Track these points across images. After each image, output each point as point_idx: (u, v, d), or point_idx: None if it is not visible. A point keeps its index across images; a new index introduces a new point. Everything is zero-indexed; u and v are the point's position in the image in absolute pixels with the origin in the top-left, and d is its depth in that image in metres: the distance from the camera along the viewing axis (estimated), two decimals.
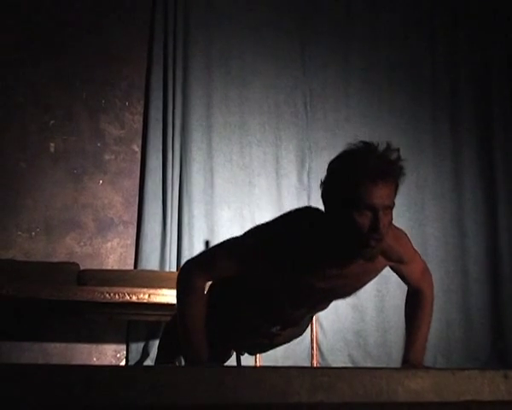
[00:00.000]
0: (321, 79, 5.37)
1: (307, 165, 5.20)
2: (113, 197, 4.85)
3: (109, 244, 4.77)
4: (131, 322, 4.67)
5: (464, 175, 5.50)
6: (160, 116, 4.94)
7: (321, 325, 4.82)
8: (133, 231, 4.82)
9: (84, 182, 4.81)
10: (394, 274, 2.36)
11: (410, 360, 2.25)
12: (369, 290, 4.79)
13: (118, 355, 4.66)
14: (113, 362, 4.61)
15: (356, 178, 1.94)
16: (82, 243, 4.72)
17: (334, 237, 2.04)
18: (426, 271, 2.38)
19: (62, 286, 3.97)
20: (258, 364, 4.12)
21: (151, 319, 4.52)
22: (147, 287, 4.06)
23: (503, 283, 5.33)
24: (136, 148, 4.95)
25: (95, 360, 4.57)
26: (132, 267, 4.73)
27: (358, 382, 1.60)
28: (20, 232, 4.62)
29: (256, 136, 5.16)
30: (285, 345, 2.81)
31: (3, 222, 4.60)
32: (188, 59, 5.06)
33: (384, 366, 4.66)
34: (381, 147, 1.98)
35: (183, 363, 2.71)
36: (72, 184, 4.78)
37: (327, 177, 2.04)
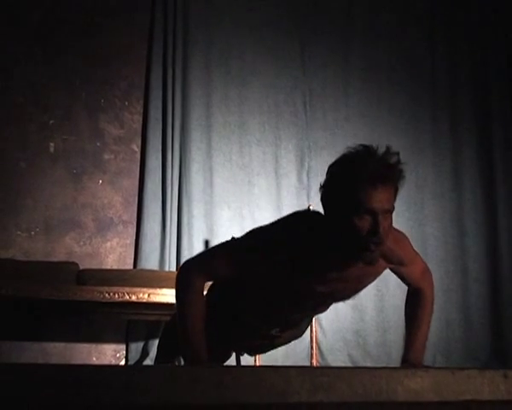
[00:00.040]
0: (320, 78, 5.38)
1: (307, 164, 5.20)
2: (113, 197, 4.85)
3: (109, 244, 4.77)
4: (131, 322, 4.67)
5: (464, 175, 5.50)
6: (159, 116, 4.94)
7: (320, 325, 4.82)
8: (132, 231, 4.82)
9: (84, 182, 4.81)
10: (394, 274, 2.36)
11: (410, 359, 2.26)
12: (368, 290, 4.74)
13: (117, 355, 4.66)
14: (113, 362, 4.61)
15: (355, 183, 1.93)
16: (81, 243, 4.72)
17: (333, 240, 2.04)
18: (426, 271, 2.38)
19: (62, 286, 3.97)
20: (257, 364, 4.12)
21: (150, 318, 4.52)
22: (146, 287, 4.06)
23: (502, 282, 5.33)
24: (136, 147, 4.95)
25: (94, 360, 4.57)
26: (132, 267, 4.73)
27: (358, 381, 1.60)
28: (19, 232, 4.62)
29: (255, 135, 5.16)
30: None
31: (3, 222, 4.60)
32: (187, 59, 5.06)
33: (384, 365, 4.66)
34: (381, 150, 1.97)
35: (182, 363, 2.71)
36: (72, 184, 4.78)
37: (326, 181, 2.03)
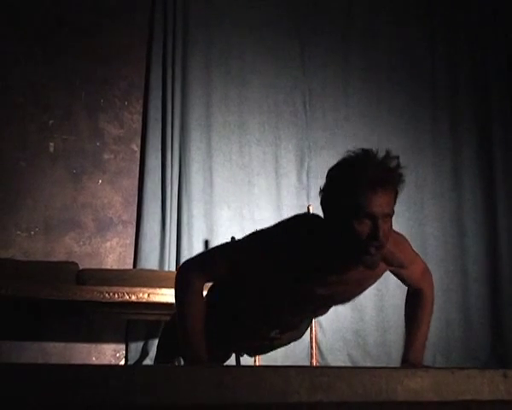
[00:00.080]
0: (320, 78, 5.38)
1: (306, 164, 5.20)
2: (113, 197, 4.85)
3: (108, 244, 4.77)
4: (131, 321, 4.67)
5: (464, 174, 5.50)
6: (159, 116, 4.94)
7: (320, 325, 4.82)
8: (132, 231, 4.82)
9: (84, 181, 4.81)
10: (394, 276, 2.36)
11: (410, 359, 2.26)
12: (368, 290, 4.73)
13: (117, 355, 4.66)
14: (113, 362, 4.61)
15: (355, 187, 1.93)
16: (81, 243, 4.72)
17: (334, 244, 2.04)
18: (426, 271, 2.38)
19: (61, 286, 3.96)
20: (257, 364, 4.12)
21: (150, 318, 4.52)
22: (146, 286, 4.06)
23: (502, 282, 5.33)
24: (136, 147, 4.95)
25: (94, 360, 4.57)
26: (131, 267, 4.73)
27: (358, 381, 1.60)
28: (19, 232, 4.62)
29: (255, 135, 5.16)
30: None
31: (3, 221, 4.60)
32: (187, 58, 5.06)
33: (383, 365, 4.66)
34: (381, 154, 1.97)
35: (182, 363, 2.71)
36: (72, 184, 4.78)
37: (326, 184, 2.03)
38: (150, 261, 4.71)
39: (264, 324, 2.41)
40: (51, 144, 4.79)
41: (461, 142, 5.55)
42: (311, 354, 4.56)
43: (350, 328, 5.02)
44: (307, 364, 4.57)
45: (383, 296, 5.06)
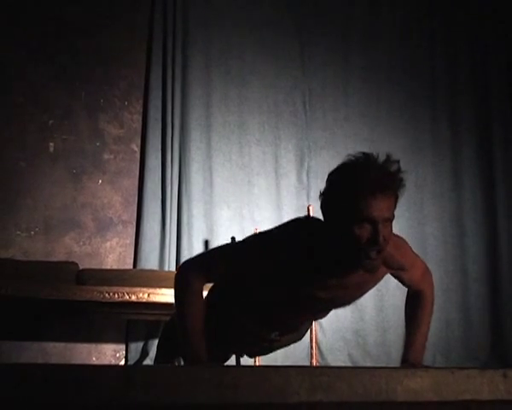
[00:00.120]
0: (320, 78, 5.38)
1: (306, 164, 5.20)
2: (113, 197, 4.85)
3: (108, 244, 4.77)
4: (131, 321, 4.67)
5: (463, 175, 5.50)
6: (159, 116, 4.94)
7: (320, 325, 4.82)
8: (132, 231, 4.82)
9: (84, 181, 4.81)
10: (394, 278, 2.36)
11: (410, 359, 2.25)
12: None
13: (117, 355, 4.66)
14: (113, 362, 4.61)
15: (355, 191, 1.92)
16: (81, 243, 4.72)
17: (334, 247, 2.04)
18: (426, 272, 2.37)
19: (61, 286, 3.97)
20: (257, 363, 4.12)
21: (150, 318, 4.52)
22: (146, 286, 4.06)
23: (502, 282, 5.33)
24: (136, 147, 4.95)
25: (94, 360, 4.57)
26: (131, 267, 4.73)
27: (358, 381, 1.60)
28: (19, 232, 4.62)
29: (255, 135, 5.16)
30: None
31: (3, 221, 4.60)
32: (187, 59, 5.06)
33: (383, 365, 4.66)
34: (381, 159, 1.97)
35: (182, 363, 2.71)
36: (72, 184, 4.78)
37: (326, 188, 2.03)
38: (150, 261, 4.71)
39: (264, 325, 2.41)
40: (51, 144, 4.79)
41: (461, 142, 5.55)
42: (311, 354, 4.56)
43: (350, 328, 5.02)
44: (307, 364, 4.57)
45: (383, 296, 5.06)
